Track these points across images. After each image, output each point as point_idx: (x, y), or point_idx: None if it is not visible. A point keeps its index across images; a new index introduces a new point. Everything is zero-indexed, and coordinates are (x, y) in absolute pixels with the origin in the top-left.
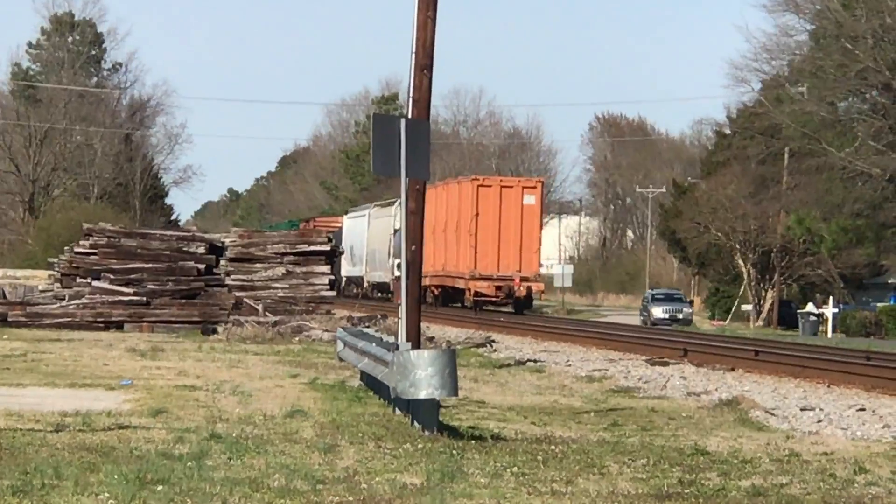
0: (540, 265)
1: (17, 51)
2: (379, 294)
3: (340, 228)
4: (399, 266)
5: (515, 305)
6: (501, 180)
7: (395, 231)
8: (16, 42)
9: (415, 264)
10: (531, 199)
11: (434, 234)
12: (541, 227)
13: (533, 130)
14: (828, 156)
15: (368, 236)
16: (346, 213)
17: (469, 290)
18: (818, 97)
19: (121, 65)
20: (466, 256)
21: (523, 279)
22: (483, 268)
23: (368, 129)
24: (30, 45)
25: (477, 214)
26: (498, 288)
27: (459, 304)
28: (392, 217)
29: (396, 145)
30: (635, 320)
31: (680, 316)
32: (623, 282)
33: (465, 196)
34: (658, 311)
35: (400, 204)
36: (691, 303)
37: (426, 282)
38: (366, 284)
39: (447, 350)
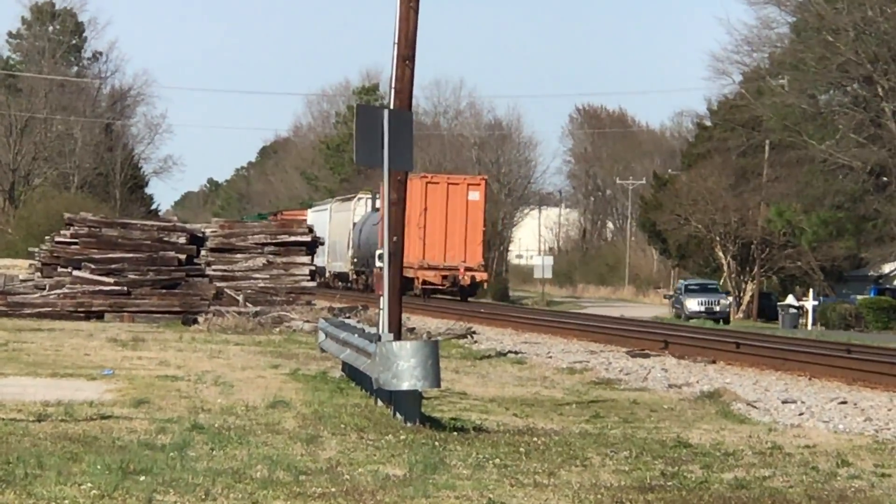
0: (484, 256)
1: None
2: (340, 283)
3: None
4: (381, 257)
5: (460, 293)
6: (448, 178)
7: (354, 224)
8: None
9: (396, 255)
10: (475, 196)
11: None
12: (484, 221)
13: (513, 122)
14: (808, 148)
15: (330, 229)
16: (311, 206)
17: (418, 278)
18: (799, 90)
19: (101, 54)
20: (416, 248)
21: (468, 269)
22: (430, 258)
23: (350, 120)
24: (10, 34)
25: (425, 209)
26: (444, 277)
27: (410, 293)
28: (351, 212)
29: (379, 136)
30: (614, 312)
31: (717, 308)
32: (603, 273)
33: (415, 192)
34: (693, 304)
35: (359, 199)
36: (728, 294)
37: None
38: (327, 274)
39: (429, 341)
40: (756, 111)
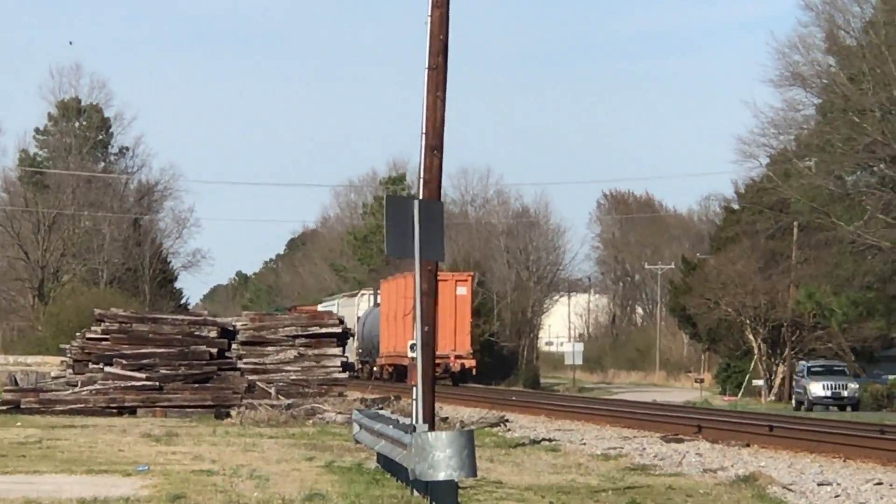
0: (472, 344)
1: (24, 137)
2: (347, 372)
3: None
4: (413, 347)
5: (452, 379)
6: (438, 275)
7: (358, 318)
8: (23, 128)
9: (428, 345)
10: (463, 290)
11: (387, 321)
12: (471, 314)
13: (541, 209)
14: (837, 229)
15: None
16: (321, 302)
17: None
18: (826, 171)
19: (128, 149)
20: (410, 339)
21: (457, 356)
22: None
23: (377, 210)
24: (37, 131)
25: None
26: (437, 365)
27: (405, 380)
28: (355, 306)
29: (410, 226)
30: (646, 397)
31: (845, 393)
32: (633, 359)
33: (409, 288)
34: (817, 388)
35: (362, 295)
36: (857, 376)
37: (381, 361)
38: None
39: (465, 431)
40: (784, 193)
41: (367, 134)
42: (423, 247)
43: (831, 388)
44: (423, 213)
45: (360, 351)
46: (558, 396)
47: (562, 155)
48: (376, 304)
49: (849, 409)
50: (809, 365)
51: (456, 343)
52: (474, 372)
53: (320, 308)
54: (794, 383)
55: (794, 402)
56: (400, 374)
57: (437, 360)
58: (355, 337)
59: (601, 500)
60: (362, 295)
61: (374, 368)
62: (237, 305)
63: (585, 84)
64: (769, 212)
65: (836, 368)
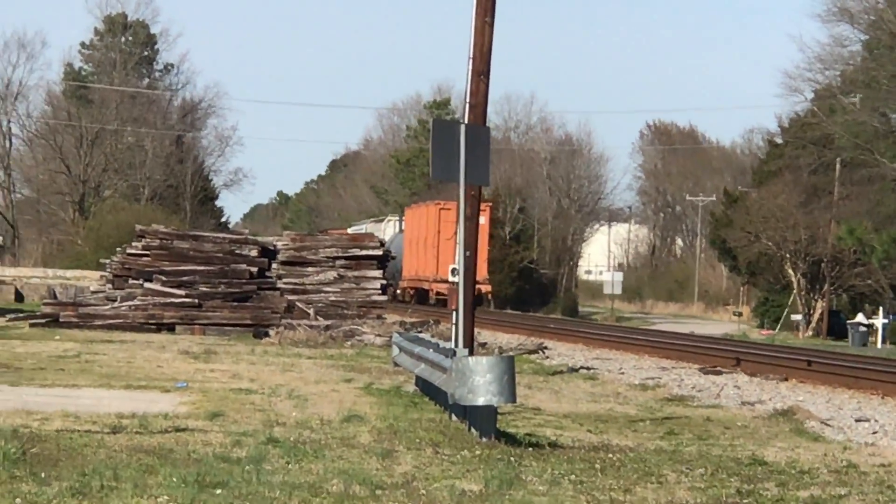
0: (487, 271)
1: (69, 51)
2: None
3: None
4: (454, 272)
5: None
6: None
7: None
8: (68, 42)
9: (469, 270)
10: (482, 219)
11: (410, 247)
12: (488, 241)
13: (584, 137)
14: (880, 166)
15: None
16: (350, 226)
17: (432, 290)
18: (871, 108)
19: (172, 66)
20: (431, 265)
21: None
22: (443, 273)
23: (421, 134)
24: (82, 45)
25: (439, 231)
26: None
27: (425, 302)
28: (382, 232)
29: (456, 151)
30: (684, 328)
31: None
32: (672, 290)
33: (431, 217)
34: None
35: (388, 220)
36: (893, 314)
37: (403, 285)
38: None
39: (505, 357)
40: (827, 129)
41: (412, 57)
42: (468, 171)
43: None
44: (469, 137)
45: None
46: (596, 325)
47: (606, 84)
48: (401, 231)
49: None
50: None
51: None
52: (490, 297)
53: (349, 231)
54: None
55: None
56: (421, 297)
57: (447, 282)
58: None
59: (639, 430)
60: (388, 221)
61: (398, 291)
62: (277, 225)
63: (632, 13)
64: (812, 147)
65: None
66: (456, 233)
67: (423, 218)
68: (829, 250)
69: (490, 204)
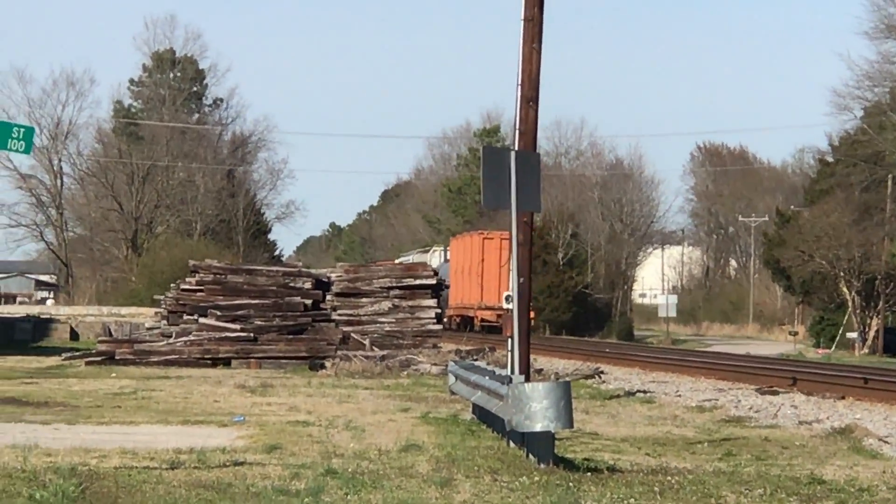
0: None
1: (119, 88)
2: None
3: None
4: (508, 298)
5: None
6: (501, 234)
7: None
8: (117, 80)
9: (524, 296)
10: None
11: (456, 276)
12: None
13: (635, 161)
14: None
15: None
16: (398, 257)
17: (477, 317)
18: None
19: (222, 101)
20: (475, 292)
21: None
22: (487, 300)
23: (471, 162)
24: (131, 82)
25: (482, 260)
26: (498, 315)
27: (470, 329)
28: (428, 262)
29: (506, 178)
30: (740, 349)
31: None
32: (727, 311)
33: (475, 246)
34: None
35: (434, 251)
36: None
37: (450, 312)
38: None
39: (561, 382)
40: (878, 146)
41: (460, 86)
42: (519, 198)
43: None
44: (519, 164)
45: None
46: (652, 348)
47: (655, 107)
48: (446, 260)
49: None
50: None
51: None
52: (533, 321)
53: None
54: None
55: None
56: (465, 323)
57: (499, 311)
58: None
59: (697, 452)
60: (434, 251)
61: (444, 319)
62: (330, 257)
63: (680, 35)
64: (863, 164)
65: None
66: (509, 261)
67: (467, 247)
68: (882, 267)
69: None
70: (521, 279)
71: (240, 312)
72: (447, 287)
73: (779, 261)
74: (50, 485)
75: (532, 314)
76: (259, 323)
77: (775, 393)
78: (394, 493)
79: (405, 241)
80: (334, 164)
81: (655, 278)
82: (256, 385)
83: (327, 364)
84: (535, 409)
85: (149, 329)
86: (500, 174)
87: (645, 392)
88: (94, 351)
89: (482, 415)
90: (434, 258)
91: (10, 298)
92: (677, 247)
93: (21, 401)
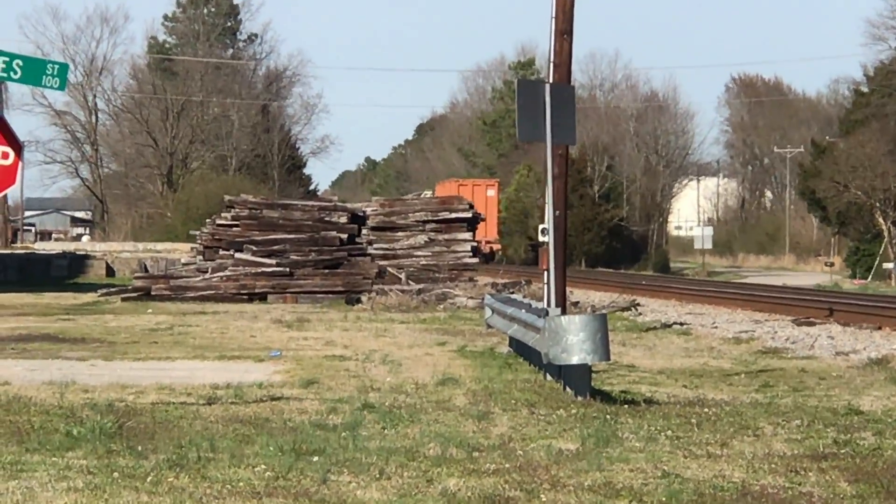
0: (498, 233)
1: (153, 24)
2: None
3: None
4: (544, 231)
5: (483, 258)
6: (473, 181)
7: None
8: (151, 15)
9: (559, 229)
10: (492, 192)
11: None
12: (497, 210)
13: (670, 92)
14: None
15: None
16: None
17: None
18: None
19: (256, 36)
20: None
21: (487, 242)
22: None
23: (506, 95)
24: (166, 17)
25: None
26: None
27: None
28: None
29: (541, 111)
30: (776, 281)
31: None
32: (763, 242)
33: (451, 191)
34: None
35: (423, 194)
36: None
37: None
38: None
39: (598, 315)
40: None
41: (494, 19)
42: (554, 131)
43: None
44: (554, 97)
45: None
46: (688, 280)
47: (690, 39)
48: None
49: None
50: None
51: (486, 232)
52: (500, 253)
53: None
54: None
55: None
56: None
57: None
58: None
59: (734, 384)
60: (424, 194)
61: None
62: (366, 191)
63: None
64: None
65: None
66: (543, 194)
67: (445, 192)
68: None
69: (498, 181)
70: (557, 212)
71: (276, 247)
72: (483, 220)
73: (814, 192)
74: (87, 421)
75: (499, 247)
76: (295, 258)
77: (812, 324)
78: (431, 427)
79: (441, 175)
80: (369, 98)
81: (691, 210)
82: (293, 320)
83: (363, 298)
84: (572, 341)
85: (185, 265)
86: (534, 107)
87: (681, 324)
88: (130, 287)
89: (519, 348)
90: None
91: (46, 235)
92: (713, 178)
93: (58, 337)
